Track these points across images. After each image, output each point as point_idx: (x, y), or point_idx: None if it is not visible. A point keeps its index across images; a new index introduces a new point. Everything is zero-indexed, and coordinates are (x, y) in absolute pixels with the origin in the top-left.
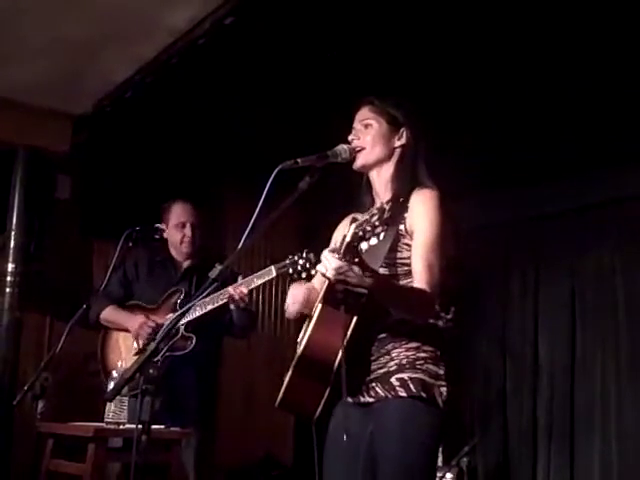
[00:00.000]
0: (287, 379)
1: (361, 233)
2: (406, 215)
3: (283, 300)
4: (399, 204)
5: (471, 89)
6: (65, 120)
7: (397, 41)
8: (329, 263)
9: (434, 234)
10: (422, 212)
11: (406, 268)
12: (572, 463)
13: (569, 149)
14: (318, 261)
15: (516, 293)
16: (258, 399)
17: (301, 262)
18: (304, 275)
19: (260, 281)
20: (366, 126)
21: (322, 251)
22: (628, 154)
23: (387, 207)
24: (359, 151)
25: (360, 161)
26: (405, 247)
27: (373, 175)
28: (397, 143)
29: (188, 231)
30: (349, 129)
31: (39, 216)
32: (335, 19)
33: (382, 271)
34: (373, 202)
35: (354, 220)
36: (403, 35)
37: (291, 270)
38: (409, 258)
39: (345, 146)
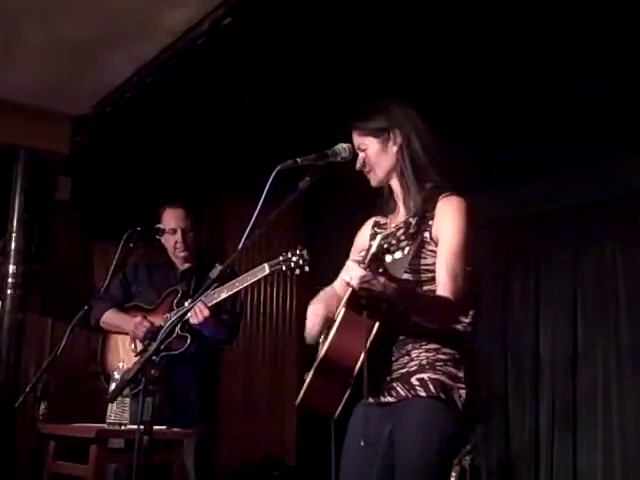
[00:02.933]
0: (308, 380)
1: (386, 246)
2: (431, 222)
3: (284, 299)
4: (425, 217)
5: (471, 86)
6: (65, 121)
7: (394, 39)
8: (353, 272)
9: (460, 242)
10: (448, 220)
11: (430, 274)
12: (574, 459)
13: (569, 145)
14: (312, 258)
15: (517, 289)
16: (260, 399)
17: (294, 259)
18: (297, 272)
19: (253, 279)
20: (363, 150)
21: (325, 250)
22: (628, 150)
23: (413, 222)
24: (369, 173)
25: (374, 182)
26: (430, 254)
27: (393, 183)
28: (394, 148)
29: (179, 237)
30: (348, 129)
31: (40, 218)
32: (333, 19)
33: (406, 277)
34: (396, 205)
35: (376, 224)
36: (402, 32)
37: (284, 267)
38: (434, 264)
39: (345, 145)
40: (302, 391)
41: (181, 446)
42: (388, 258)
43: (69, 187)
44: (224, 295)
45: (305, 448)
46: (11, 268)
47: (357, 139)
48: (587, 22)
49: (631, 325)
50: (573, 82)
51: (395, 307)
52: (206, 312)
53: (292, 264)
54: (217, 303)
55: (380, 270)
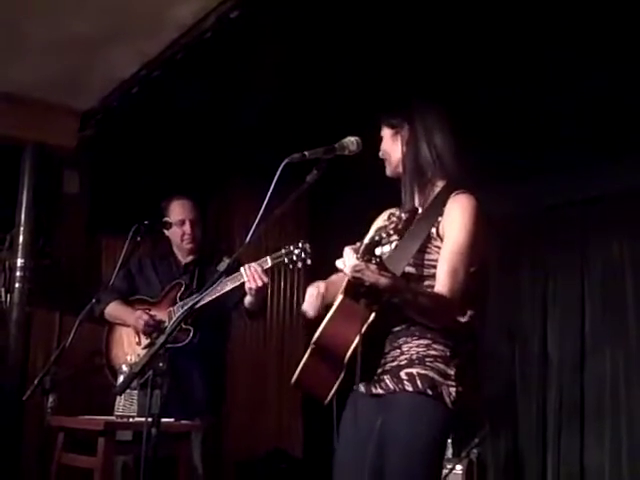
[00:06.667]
0: (303, 361)
1: (378, 238)
2: (440, 219)
3: (291, 292)
4: (434, 213)
5: (480, 85)
6: (72, 116)
7: (402, 35)
8: (347, 260)
9: (464, 241)
10: (456, 217)
11: (433, 270)
12: (582, 454)
13: (578, 142)
14: (317, 251)
15: (525, 286)
16: (267, 392)
17: (296, 252)
18: (300, 265)
19: None
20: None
21: (330, 244)
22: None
23: (404, 217)
24: (385, 162)
25: (387, 171)
26: (435, 249)
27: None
28: (402, 142)
29: (187, 228)
30: (354, 123)
31: (47, 211)
32: (340, 12)
33: (409, 270)
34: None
35: (392, 215)
36: (409, 27)
37: (286, 260)
38: (437, 261)
39: (352, 138)
40: (297, 370)
41: (188, 439)
42: (377, 250)
43: (76, 181)
44: (229, 287)
45: (312, 440)
46: (19, 262)
47: (382, 129)
48: (589, 25)
49: (639, 320)
50: (580, 81)
51: (388, 299)
52: (265, 278)
53: (294, 257)
54: (227, 293)
55: (373, 261)
